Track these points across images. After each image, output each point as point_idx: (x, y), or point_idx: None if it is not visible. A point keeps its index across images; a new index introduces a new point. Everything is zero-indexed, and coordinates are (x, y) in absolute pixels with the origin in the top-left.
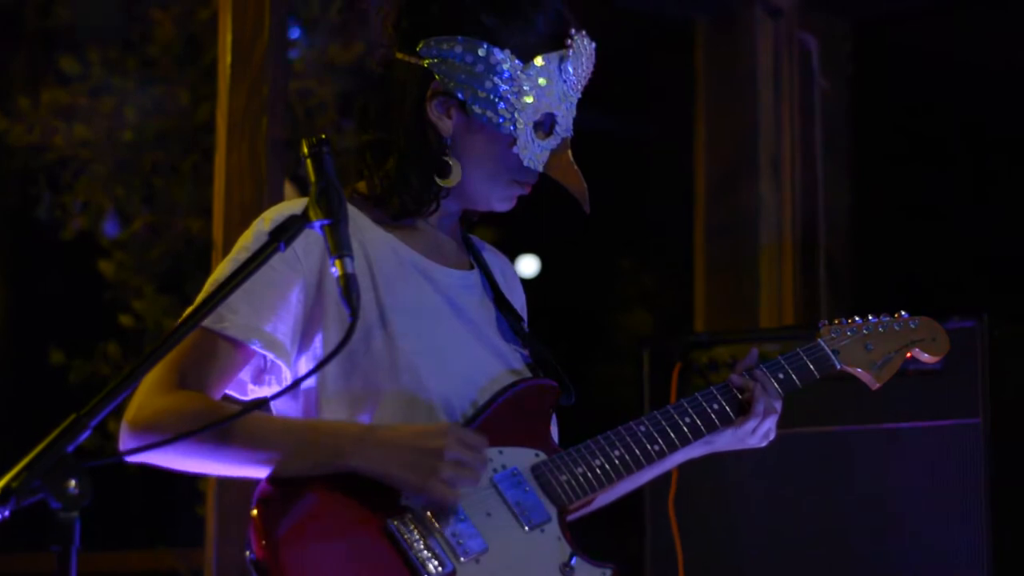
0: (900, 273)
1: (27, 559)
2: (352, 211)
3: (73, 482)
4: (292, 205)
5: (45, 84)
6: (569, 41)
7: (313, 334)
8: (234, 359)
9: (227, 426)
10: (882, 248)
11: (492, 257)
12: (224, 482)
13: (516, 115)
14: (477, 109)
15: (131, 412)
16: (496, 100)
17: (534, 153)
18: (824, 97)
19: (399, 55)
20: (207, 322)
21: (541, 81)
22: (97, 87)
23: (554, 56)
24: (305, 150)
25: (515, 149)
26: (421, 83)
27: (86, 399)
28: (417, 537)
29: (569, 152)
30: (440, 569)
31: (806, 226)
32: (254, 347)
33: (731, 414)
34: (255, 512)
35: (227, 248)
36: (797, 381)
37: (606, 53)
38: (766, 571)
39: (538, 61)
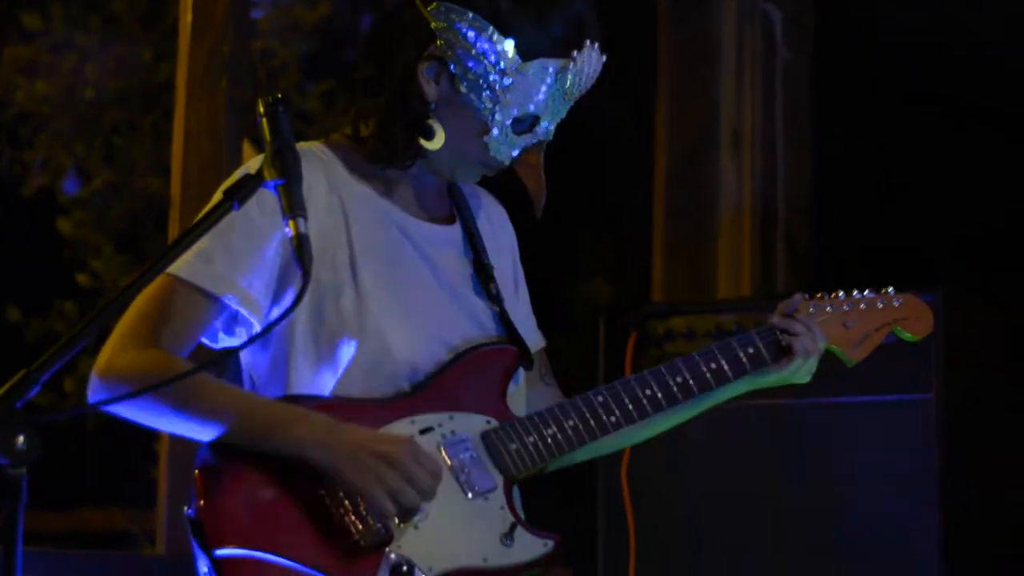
0: (858, 248)
1: None
2: (331, 159)
3: (22, 438)
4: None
5: (7, 40)
6: (576, 53)
7: (287, 287)
8: (208, 312)
9: (192, 393)
10: (841, 223)
11: (476, 202)
12: (177, 445)
13: (497, 107)
14: (464, 87)
15: (102, 361)
16: (483, 86)
17: (503, 147)
18: (786, 71)
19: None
20: (184, 273)
21: (534, 82)
22: (59, 44)
23: (553, 63)
24: (261, 109)
25: (486, 138)
26: (422, 40)
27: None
28: (355, 500)
29: (541, 156)
30: (375, 533)
31: (766, 200)
32: (227, 301)
33: (767, 358)
34: (197, 471)
35: (185, 206)
36: (767, 357)
37: None
38: (718, 545)
39: (536, 63)
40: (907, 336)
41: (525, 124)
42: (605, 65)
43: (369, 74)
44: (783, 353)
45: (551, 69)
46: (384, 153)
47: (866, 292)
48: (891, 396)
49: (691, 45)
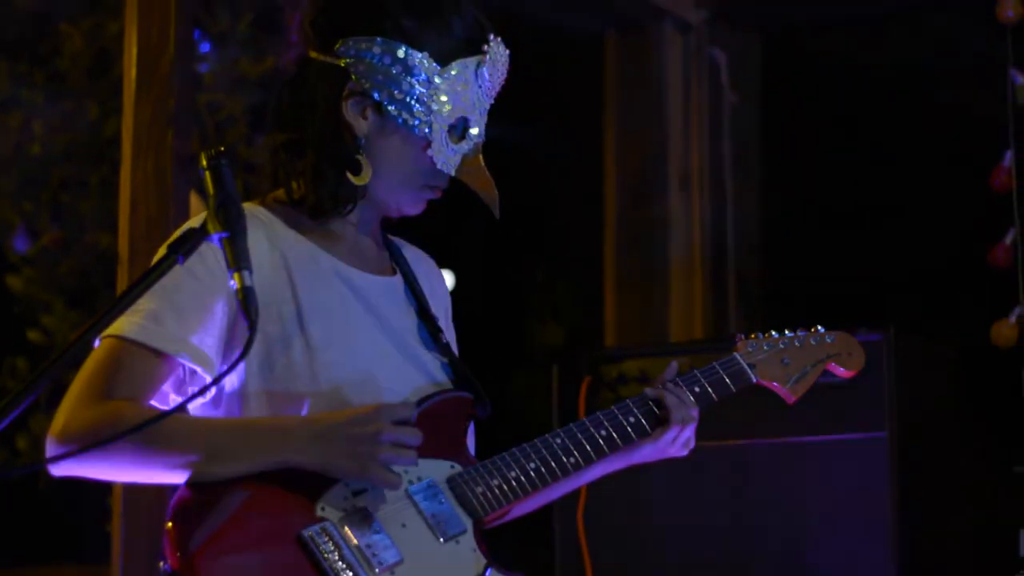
0: (808, 287)
1: None
2: (270, 218)
3: None
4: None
5: None
6: (486, 47)
7: (236, 342)
8: (161, 371)
9: (157, 429)
10: (791, 262)
11: (415, 258)
12: (131, 498)
13: (432, 118)
14: (393, 110)
15: (58, 426)
16: (412, 102)
17: (447, 157)
18: (733, 112)
19: (313, 54)
20: (135, 335)
21: (457, 85)
22: (5, 101)
23: (471, 61)
24: (203, 163)
25: (429, 152)
26: (337, 82)
27: None
28: (332, 548)
29: (480, 157)
30: None
31: (716, 240)
32: (182, 360)
33: (647, 427)
34: (170, 522)
35: (133, 262)
36: (713, 395)
37: (515, 66)
38: None
39: (455, 65)
40: (841, 372)
41: (458, 131)
42: (554, 108)
43: (290, 138)
44: (659, 423)
45: (470, 67)
46: (326, 203)
47: (798, 331)
48: (844, 435)
49: (638, 86)
